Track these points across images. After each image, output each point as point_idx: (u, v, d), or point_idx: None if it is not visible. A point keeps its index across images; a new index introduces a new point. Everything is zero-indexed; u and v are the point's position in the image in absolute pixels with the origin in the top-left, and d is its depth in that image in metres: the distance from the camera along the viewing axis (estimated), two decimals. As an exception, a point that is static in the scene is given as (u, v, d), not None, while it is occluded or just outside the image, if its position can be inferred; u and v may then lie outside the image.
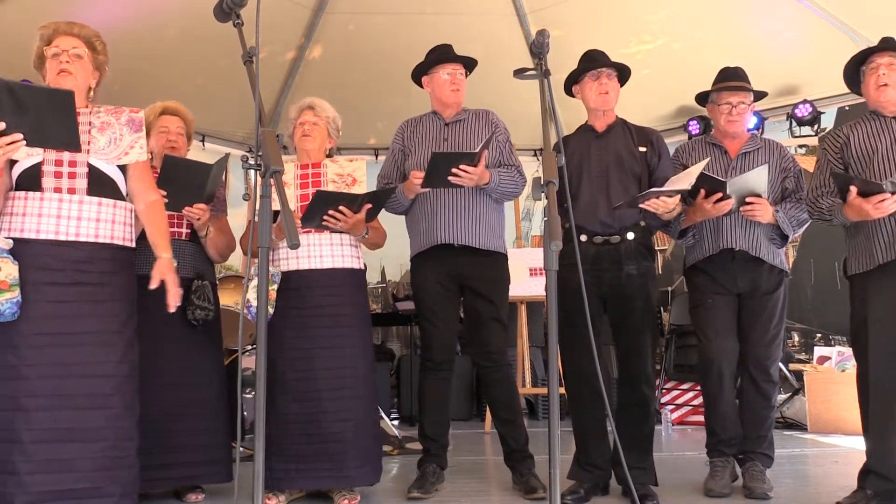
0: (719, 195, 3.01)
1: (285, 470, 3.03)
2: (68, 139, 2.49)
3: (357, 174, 3.19)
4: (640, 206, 2.96)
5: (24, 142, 2.42)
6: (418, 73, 3.46)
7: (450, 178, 3.05)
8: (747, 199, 3.07)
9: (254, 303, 3.00)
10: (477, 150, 3.06)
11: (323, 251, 3.13)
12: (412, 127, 3.46)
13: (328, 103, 3.35)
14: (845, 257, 3.03)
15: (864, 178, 2.84)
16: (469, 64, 3.43)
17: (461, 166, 3.02)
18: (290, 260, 3.13)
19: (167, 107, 3.38)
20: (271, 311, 3.03)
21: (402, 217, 3.48)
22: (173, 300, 2.66)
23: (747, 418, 3.24)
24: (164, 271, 2.66)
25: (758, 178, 3.09)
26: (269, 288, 2.98)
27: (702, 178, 3.08)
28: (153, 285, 2.63)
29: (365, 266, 3.34)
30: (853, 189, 2.75)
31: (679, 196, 2.96)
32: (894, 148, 2.88)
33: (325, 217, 2.99)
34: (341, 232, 3.12)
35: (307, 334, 3.07)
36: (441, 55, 3.40)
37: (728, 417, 3.25)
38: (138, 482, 2.62)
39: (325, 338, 3.07)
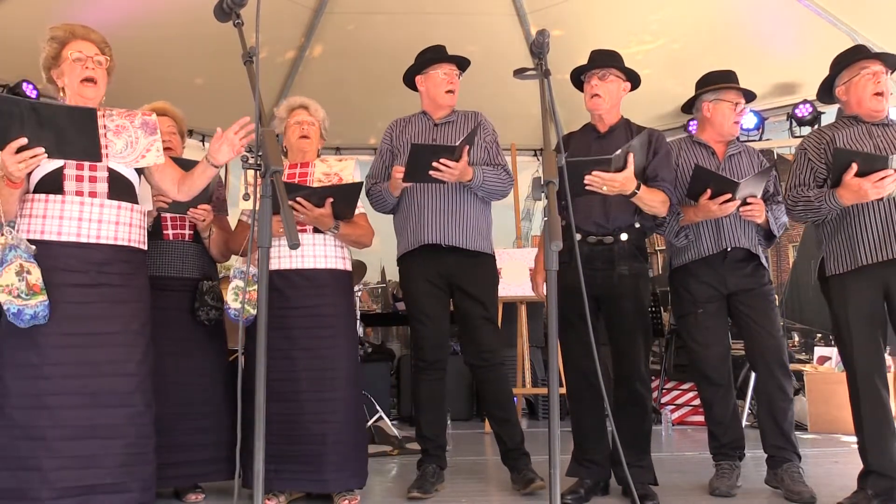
0: (728, 196, 3.01)
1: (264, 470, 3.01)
2: (90, 151, 2.56)
3: (344, 173, 3.19)
4: (585, 184, 2.84)
5: (46, 154, 2.47)
6: (411, 74, 3.45)
7: (430, 172, 3.03)
8: (748, 200, 3.09)
9: (231, 304, 3.02)
10: (458, 144, 3.04)
11: (305, 251, 3.11)
12: (401, 126, 3.45)
13: (318, 103, 3.35)
14: (822, 258, 3.02)
15: (868, 153, 2.84)
16: (462, 65, 3.42)
17: (442, 160, 3.01)
18: (272, 260, 3.10)
19: (154, 108, 3.31)
20: (253, 312, 3.00)
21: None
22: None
23: (769, 414, 3.19)
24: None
25: (760, 180, 3.12)
26: (250, 289, 2.97)
27: (714, 177, 3.08)
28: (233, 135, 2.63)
29: (365, 267, 3.33)
30: (853, 167, 2.75)
31: (624, 172, 2.86)
32: (878, 151, 2.89)
33: None
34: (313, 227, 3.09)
35: (288, 335, 3.05)
36: (437, 55, 3.39)
37: (727, 420, 3.25)
38: (155, 478, 2.68)
39: (305, 339, 3.05)
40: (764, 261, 3.29)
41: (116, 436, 2.54)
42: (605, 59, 3.17)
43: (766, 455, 3.23)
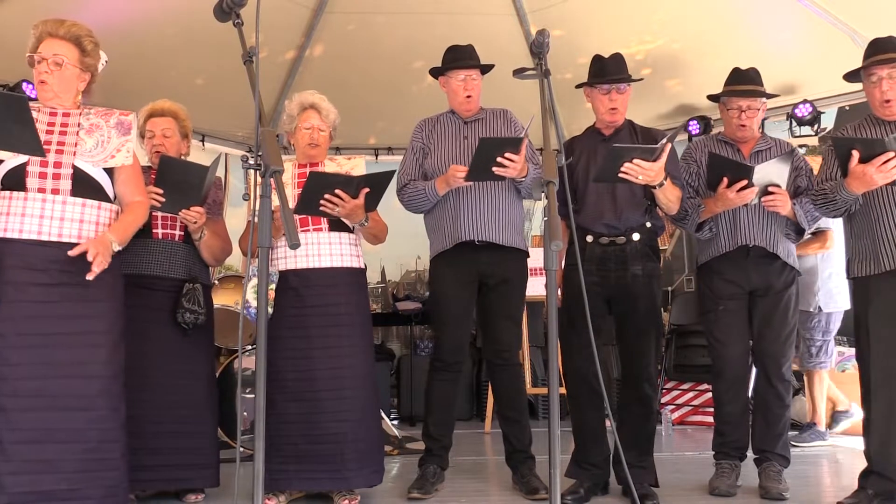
0: (744, 183, 2.99)
1: (283, 471, 3.02)
2: (31, 144, 2.48)
3: (355, 171, 3.17)
4: (619, 174, 2.84)
5: None
6: (436, 73, 3.43)
7: (495, 169, 2.98)
8: (770, 189, 3.05)
9: (253, 303, 3.00)
10: (522, 135, 3.02)
11: (321, 250, 3.11)
12: (430, 126, 3.43)
13: (328, 101, 3.31)
14: (848, 259, 3.04)
15: (864, 138, 2.84)
16: (483, 69, 3.39)
17: (507, 154, 2.95)
18: (287, 259, 3.11)
19: (154, 109, 3.31)
20: (270, 311, 3.01)
21: (404, 217, 3.47)
22: (95, 265, 2.48)
23: (762, 417, 3.22)
24: (93, 243, 2.49)
25: (781, 167, 3.07)
26: (268, 288, 2.97)
27: (729, 164, 3.07)
28: (73, 252, 2.48)
29: (365, 266, 3.32)
30: (855, 155, 2.75)
31: (658, 162, 2.87)
32: None
33: (322, 202, 2.95)
34: (342, 220, 3.07)
35: (305, 334, 3.05)
36: (456, 60, 3.36)
37: (736, 419, 3.25)
38: (125, 485, 2.59)
39: (323, 337, 3.06)
40: (791, 260, 3.25)
41: (75, 440, 2.46)
42: (619, 69, 3.14)
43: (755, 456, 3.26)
